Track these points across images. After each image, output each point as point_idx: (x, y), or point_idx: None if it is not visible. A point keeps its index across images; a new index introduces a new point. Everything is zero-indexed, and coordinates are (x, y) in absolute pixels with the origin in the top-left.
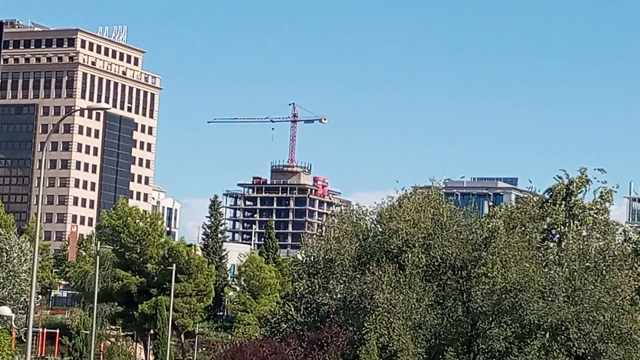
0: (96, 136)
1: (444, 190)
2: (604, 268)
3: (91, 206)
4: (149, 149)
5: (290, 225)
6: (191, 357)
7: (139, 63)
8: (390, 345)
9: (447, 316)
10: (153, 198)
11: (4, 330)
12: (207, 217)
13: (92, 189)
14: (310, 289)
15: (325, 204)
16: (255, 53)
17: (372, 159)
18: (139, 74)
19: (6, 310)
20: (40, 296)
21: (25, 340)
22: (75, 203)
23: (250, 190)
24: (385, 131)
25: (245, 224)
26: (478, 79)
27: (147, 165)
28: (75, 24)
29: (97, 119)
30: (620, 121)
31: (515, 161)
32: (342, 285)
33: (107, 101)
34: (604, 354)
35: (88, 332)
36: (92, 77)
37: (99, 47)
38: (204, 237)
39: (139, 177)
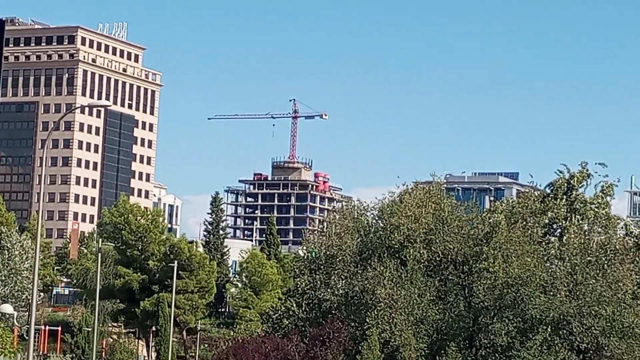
0: (97, 133)
1: (445, 185)
2: (606, 262)
3: (92, 203)
4: (149, 146)
5: (292, 221)
6: (193, 354)
7: (140, 60)
8: (392, 340)
9: (448, 311)
10: (154, 195)
11: (6, 327)
12: (208, 213)
13: (93, 186)
14: (311, 284)
15: (326, 199)
16: (256, 49)
17: (373, 155)
18: (140, 71)
19: (8, 308)
20: (42, 294)
21: (27, 337)
22: (77, 200)
23: (251, 186)
24: (386, 127)
25: (247, 220)
26: (478, 75)
27: (148, 162)
28: (76, 21)
29: (98, 116)
30: (621, 115)
31: (516, 156)
32: (343, 281)
33: (107, 98)
34: (606, 348)
35: (90, 329)
36: (93, 74)
37: (99, 44)
38: (205, 233)
39: (140, 174)
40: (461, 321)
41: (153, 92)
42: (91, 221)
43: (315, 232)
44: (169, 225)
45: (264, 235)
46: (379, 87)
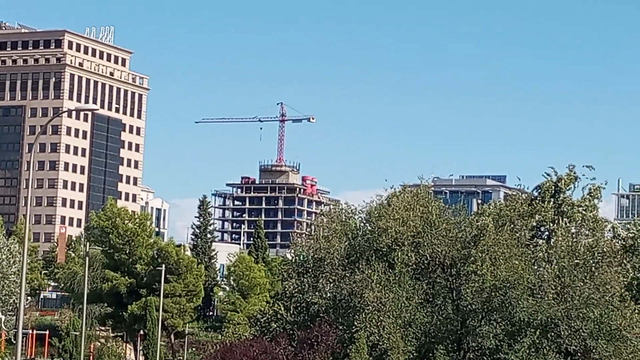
0: (84, 137)
1: (433, 188)
2: (593, 265)
3: (80, 207)
4: (137, 150)
5: (279, 224)
6: (181, 358)
7: (127, 64)
8: (381, 343)
9: (437, 314)
10: (142, 199)
11: None
12: (196, 217)
13: (81, 190)
14: (299, 288)
15: (314, 203)
16: (243, 53)
17: (361, 158)
18: (127, 75)
19: None
20: (29, 298)
21: (14, 341)
22: (64, 204)
23: (239, 190)
24: (374, 130)
25: (234, 224)
26: (466, 77)
27: (136, 166)
28: (62, 25)
29: (85, 120)
30: (608, 118)
31: (503, 159)
32: (331, 284)
33: (94, 102)
34: (594, 350)
35: (78, 333)
36: (80, 78)
37: (86, 48)
38: (193, 237)
39: (127, 177)
40: (449, 324)
41: (140, 95)
42: (78, 225)
43: (303, 235)
44: (157, 229)
45: (251, 238)
46: (366, 90)
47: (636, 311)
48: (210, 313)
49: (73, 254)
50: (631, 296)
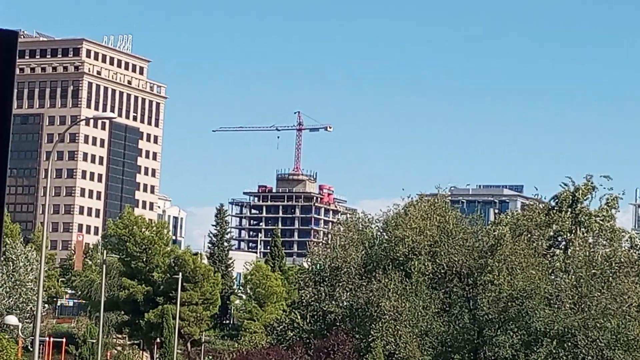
0: (102, 145)
1: (450, 197)
2: (611, 275)
3: (97, 215)
4: (154, 158)
5: (296, 233)
6: None
7: (144, 72)
8: (397, 352)
9: (453, 323)
10: (159, 207)
11: (11, 339)
12: (212, 225)
13: (98, 198)
14: (316, 296)
15: (330, 212)
16: (260, 62)
17: (378, 167)
18: (144, 83)
19: (13, 320)
20: (46, 305)
21: (31, 349)
22: (81, 212)
23: (256, 198)
24: (391, 139)
25: (251, 232)
26: (483, 87)
27: (153, 174)
28: (81, 33)
29: (103, 128)
30: (625, 128)
31: (521, 169)
32: (348, 293)
33: (112, 110)
34: None
35: (94, 341)
36: (98, 86)
37: (104, 56)
38: (209, 245)
39: (145, 186)
40: (466, 333)
41: (158, 104)
42: (96, 233)
43: (320, 244)
44: (174, 237)
45: (268, 247)
46: (383, 100)
47: None
48: (227, 321)
49: (90, 262)
50: None
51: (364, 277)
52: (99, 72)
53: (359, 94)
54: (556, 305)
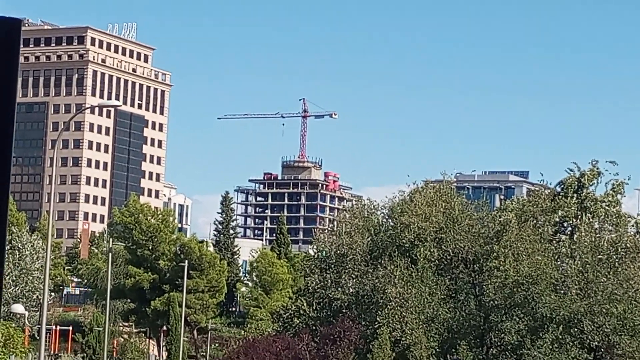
0: (107, 133)
1: (455, 184)
2: (617, 260)
3: (102, 203)
4: (159, 146)
5: (302, 220)
6: (204, 353)
7: (149, 60)
8: (403, 339)
9: (459, 310)
10: (164, 195)
11: (18, 327)
12: (218, 213)
13: (104, 186)
14: (322, 283)
15: (336, 199)
16: (265, 49)
17: (383, 154)
18: (149, 71)
19: (19, 308)
20: (52, 293)
21: (38, 337)
22: (87, 200)
23: (261, 186)
24: (396, 125)
25: (257, 220)
26: (488, 73)
27: (158, 162)
28: (85, 21)
29: (108, 116)
30: (631, 113)
31: (526, 154)
32: (354, 280)
33: (117, 98)
34: (617, 346)
35: (101, 329)
36: (102, 74)
37: (108, 44)
38: (215, 233)
39: (150, 174)
40: (472, 320)
41: (163, 92)
42: (101, 221)
43: (326, 231)
44: (179, 225)
45: (274, 234)
46: (389, 86)
47: None
48: (233, 309)
49: (96, 250)
50: None
51: (369, 264)
52: (103, 60)
53: (364, 81)
54: (562, 291)
